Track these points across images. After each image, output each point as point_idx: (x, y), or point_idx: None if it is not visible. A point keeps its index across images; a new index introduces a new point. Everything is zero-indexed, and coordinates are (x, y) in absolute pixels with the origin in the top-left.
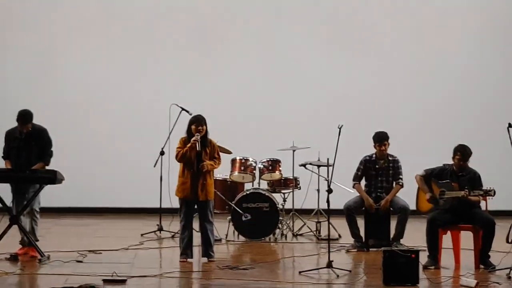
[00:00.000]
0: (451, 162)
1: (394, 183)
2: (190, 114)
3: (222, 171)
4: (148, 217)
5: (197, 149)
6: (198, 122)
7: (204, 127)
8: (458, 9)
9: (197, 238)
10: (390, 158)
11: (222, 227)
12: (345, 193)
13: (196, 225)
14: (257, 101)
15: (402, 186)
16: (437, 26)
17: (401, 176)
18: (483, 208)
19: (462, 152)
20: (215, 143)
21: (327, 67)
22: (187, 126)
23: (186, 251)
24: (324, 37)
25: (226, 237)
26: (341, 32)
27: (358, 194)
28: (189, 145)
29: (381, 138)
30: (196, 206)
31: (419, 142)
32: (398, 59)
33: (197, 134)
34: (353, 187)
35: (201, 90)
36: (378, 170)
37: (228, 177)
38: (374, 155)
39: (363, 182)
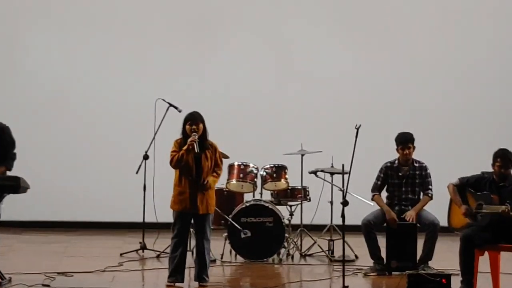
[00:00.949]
0: (490, 170)
1: (422, 194)
2: (179, 111)
3: None
4: (128, 234)
5: (196, 150)
6: (192, 120)
7: (201, 125)
8: None
9: (187, 258)
10: (416, 165)
11: (217, 245)
12: (363, 206)
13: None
14: (259, 97)
15: (431, 198)
16: (467, 16)
17: (430, 186)
18: None
19: (503, 158)
20: (217, 146)
21: (341, 61)
22: (182, 126)
23: (175, 273)
24: (338, 30)
25: (222, 258)
26: (357, 25)
27: (379, 207)
28: (185, 147)
29: (405, 140)
30: (192, 221)
31: (450, 146)
32: (423, 51)
33: (194, 133)
34: (372, 199)
35: (193, 84)
36: (402, 179)
37: (224, 186)
38: (396, 161)
39: (384, 194)
